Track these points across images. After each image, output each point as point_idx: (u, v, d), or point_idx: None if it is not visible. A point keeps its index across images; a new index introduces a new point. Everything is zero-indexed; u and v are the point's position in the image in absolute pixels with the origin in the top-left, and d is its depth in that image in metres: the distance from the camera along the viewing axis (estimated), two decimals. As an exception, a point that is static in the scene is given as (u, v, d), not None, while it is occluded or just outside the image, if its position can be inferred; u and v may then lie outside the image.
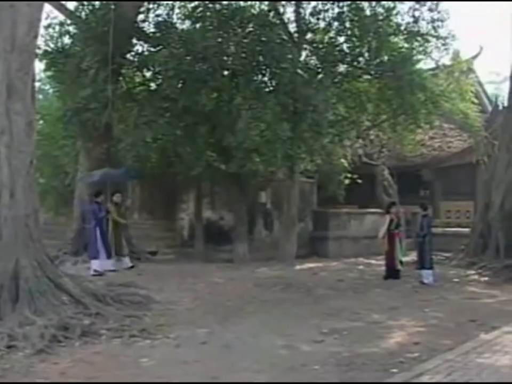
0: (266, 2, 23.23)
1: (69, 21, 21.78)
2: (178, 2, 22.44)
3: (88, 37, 20.46)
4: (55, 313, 10.96)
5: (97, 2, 21.26)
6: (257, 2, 23.11)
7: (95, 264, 18.27)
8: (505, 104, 24.46)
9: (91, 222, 18.84)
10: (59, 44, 21.58)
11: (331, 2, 22.42)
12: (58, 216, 27.00)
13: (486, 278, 18.65)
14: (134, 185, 24.28)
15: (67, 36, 21.71)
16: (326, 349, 9.89)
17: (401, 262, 18.68)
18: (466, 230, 24.13)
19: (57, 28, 21.63)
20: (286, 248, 22.40)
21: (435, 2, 22.74)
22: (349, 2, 22.31)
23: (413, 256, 19.84)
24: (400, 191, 28.59)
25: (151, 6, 22.08)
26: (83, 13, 21.38)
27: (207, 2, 21.03)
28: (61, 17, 22.08)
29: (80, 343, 10.11)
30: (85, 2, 21.39)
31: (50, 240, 20.10)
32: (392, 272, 18.39)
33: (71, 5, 22.41)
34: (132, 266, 19.30)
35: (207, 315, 12.66)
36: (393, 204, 20.11)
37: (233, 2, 21.24)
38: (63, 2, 22.52)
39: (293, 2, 23.08)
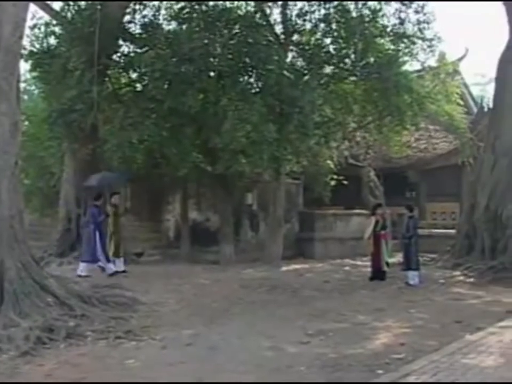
0: (252, 4, 23.24)
1: (54, 22, 21.70)
2: (164, 3, 22.40)
3: (74, 37, 20.39)
4: (40, 315, 10.90)
5: (83, 3, 21.18)
6: (244, 4, 23.13)
7: (83, 267, 18.11)
8: (491, 106, 24.55)
9: (89, 225, 18.69)
10: (45, 45, 21.48)
11: (317, 3, 22.46)
12: (43, 217, 26.87)
13: (472, 279, 18.71)
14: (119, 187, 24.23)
15: (53, 37, 21.61)
16: (312, 350, 9.89)
17: (387, 263, 18.71)
18: (452, 231, 24.21)
19: (42, 28, 21.55)
20: (272, 249, 22.42)
21: (421, 4, 22.85)
22: (335, 3, 22.36)
23: (398, 258, 19.88)
24: (386, 193, 28.66)
25: (137, 6, 22.00)
26: (69, 14, 21.30)
27: (193, 3, 21.01)
28: (47, 17, 22.02)
29: (65, 345, 10.07)
30: (71, 3, 21.30)
31: (36, 241, 20.04)
32: (378, 274, 18.41)
33: (56, 5, 22.39)
34: (124, 271, 19.16)
35: (192, 316, 12.65)
36: (379, 205, 20.15)
37: (219, 3, 21.23)
38: (49, 2, 22.46)
39: (279, 3, 23.10)
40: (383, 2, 23.10)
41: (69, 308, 11.74)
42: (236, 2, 22.63)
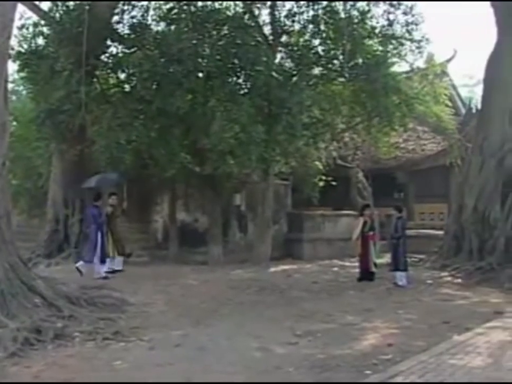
0: (241, 5, 23.25)
1: (42, 22, 21.64)
2: (153, 3, 22.37)
3: (62, 38, 20.34)
4: (27, 316, 10.86)
5: (71, 3, 21.12)
6: (232, 5, 23.13)
7: (82, 266, 18.04)
8: (479, 107, 24.62)
9: (90, 226, 18.60)
10: (33, 45, 21.40)
11: (306, 5, 22.49)
12: (31, 218, 26.83)
13: (459, 280, 18.76)
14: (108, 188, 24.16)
15: (41, 37, 21.54)
16: (300, 351, 9.89)
17: (375, 264, 18.75)
18: (440, 232, 24.25)
19: (31, 28, 21.47)
20: (260, 250, 22.42)
21: (409, 5, 22.91)
22: (323, 5, 22.39)
23: (387, 258, 19.92)
24: (374, 193, 28.69)
25: (125, 7, 21.96)
26: (57, 14, 21.23)
27: (182, 4, 20.99)
28: (35, 18, 21.96)
29: (53, 346, 10.03)
30: (59, 3, 21.24)
31: (23, 242, 20.01)
32: (366, 274, 18.44)
33: (45, 6, 22.34)
34: (121, 270, 19.11)
35: (181, 317, 12.64)
36: (367, 206, 20.18)
37: (208, 4, 21.22)
38: (37, 2, 22.40)
39: (268, 4, 23.11)
40: (371, 4, 23.17)
41: (56, 309, 11.70)
42: (224, 3, 22.62)
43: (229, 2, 22.95)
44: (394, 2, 23.02)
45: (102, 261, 18.28)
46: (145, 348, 10.06)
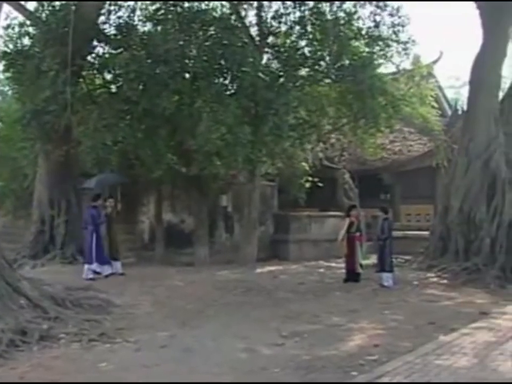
0: (228, 6, 23.25)
1: (28, 22, 21.53)
2: (139, 4, 22.31)
3: (48, 38, 20.25)
4: (12, 318, 10.82)
5: (57, 3, 21.05)
6: (219, 6, 23.10)
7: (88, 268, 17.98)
8: (465, 108, 24.71)
9: (89, 227, 18.50)
10: (18, 45, 21.28)
11: (292, 6, 22.50)
12: (16, 219, 26.70)
13: (445, 281, 18.83)
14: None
15: (27, 37, 21.41)
16: (286, 352, 9.90)
17: (361, 265, 18.77)
18: (426, 233, 24.30)
19: (16, 28, 21.32)
20: (246, 251, 22.41)
21: (396, 7, 22.97)
22: (310, 6, 22.41)
23: (373, 259, 19.94)
24: (361, 195, 28.74)
25: (112, 7, 21.89)
26: (43, 14, 21.14)
27: (168, 5, 20.96)
28: (21, 18, 21.83)
29: (39, 348, 10.01)
30: (45, 3, 21.17)
31: (9, 243, 19.95)
32: (352, 275, 18.46)
33: (30, 6, 22.24)
34: (122, 273, 19.03)
35: (167, 319, 12.62)
36: (353, 207, 20.21)
37: (195, 5, 21.20)
38: (23, 3, 22.31)
39: (255, 5, 23.12)
40: (358, 5, 23.21)
41: (42, 310, 11.66)
42: (211, 4, 22.58)
43: (215, 3, 22.92)
44: (381, 4, 23.08)
45: (101, 262, 18.21)
46: (131, 349, 10.04)
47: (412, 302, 15.26)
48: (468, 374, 8.48)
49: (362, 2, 23.30)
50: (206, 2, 22.12)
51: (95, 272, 18.01)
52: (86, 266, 18.07)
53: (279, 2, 22.87)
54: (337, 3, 22.86)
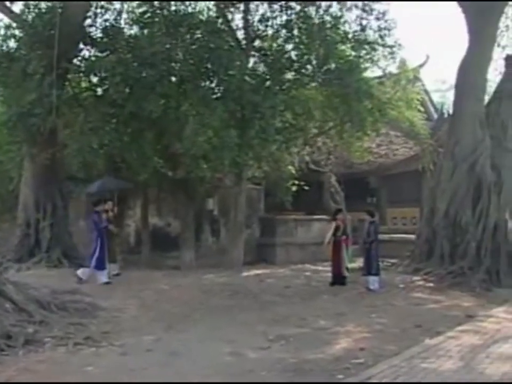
0: (214, 9, 23.26)
1: (14, 24, 21.44)
2: (126, 7, 22.30)
3: (34, 41, 20.17)
4: (-3, 321, 10.76)
5: (43, 6, 20.99)
6: (206, 9, 23.13)
7: (84, 272, 17.87)
8: (451, 112, 24.80)
9: (93, 232, 18.41)
10: (4, 48, 21.17)
11: (279, 9, 22.55)
12: (1, 222, 26.52)
13: (431, 284, 18.85)
14: (79, 192, 23.95)
15: (12, 40, 21.30)
16: (273, 355, 9.89)
17: (347, 269, 18.80)
18: (412, 236, 24.34)
19: (2, 31, 21.23)
20: (233, 254, 22.42)
21: (382, 11, 23.05)
22: (296, 10, 22.46)
23: (359, 263, 19.95)
24: (347, 198, 28.81)
25: (98, 10, 21.85)
26: (29, 17, 21.07)
27: (155, 8, 20.96)
28: (7, 20, 21.77)
29: (24, 352, 9.94)
30: (31, 6, 21.11)
31: (-6, 247, 19.83)
32: (338, 279, 18.48)
33: (16, 8, 22.16)
34: (118, 274, 18.98)
35: (153, 322, 12.59)
36: (339, 211, 20.27)
37: (181, 8, 21.20)
38: (8, 4, 22.22)
39: (241, 9, 23.14)
40: (344, 9, 23.27)
41: (27, 314, 11.58)
42: (197, 8, 22.62)
43: (202, 6, 22.96)
44: (367, 8, 23.14)
45: (103, 267, 18.13)
46: (117, 353, 9.99)
47: (398, 305, 15.28)
48: (453, 377, 8.50)
49: (348, 6, 23.36)
50: (193, 5, 22.16)
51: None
52: (87, 270, 17.95)
53: (266, 6, 22.92)
54: (323, 7, 22.92)
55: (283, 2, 22.63)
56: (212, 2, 23.39)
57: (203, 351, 10.11)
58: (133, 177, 20.93)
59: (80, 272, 17.82)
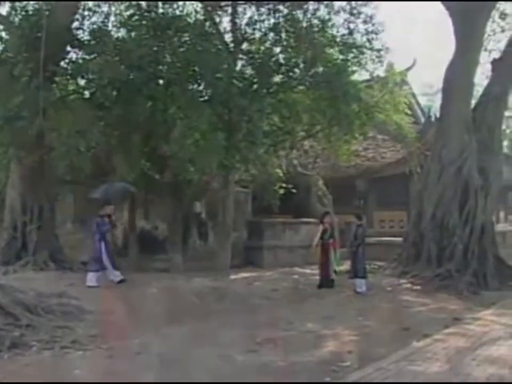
0: (202, 12, 23.24)
1: (1, 27, 21.38)
2: (113, 9, 22.26)
3: (21, 43, 20.06)
4: (-17, 325, 10.72)
5: (30, 8, 20.91)
6: (193, 12, 23.10)
7: (92, 277, 17.84)
8: (438, 115, 24.87)
9: (95, 235, 18.42)
10: (-10, 50, 21.16)
11: (267, 13, 22.56)
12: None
13: (418, 287, 18.91)
14: (66, 194, 23.89)
15: (-1, 42, 21.31)
16: (260, 358, 9.88)
17: (335, 271, 18.82)
18: (400, 239, 24.39)
19: (-12, 33, 21.24)
20: (220, 258, 22.39)
21: (369, 14, 23.08)
22: (284, 13, 22.48)
23: (347, 266, 19.97)
24: (334, 201, 28.83)
25: (86, 13, 21.80)
26: (16, 19, 20.97)
27: (142, 10, 20.93)
28: (-7, 22, 21.70)
29: (10, 355, 9.90)
30: (18, 8, 21.03)
31: (-20, 250, 19.72)
32: (326, 282, 18.49)
33: (3, 10, 22.07)
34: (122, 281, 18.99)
35: (141, 325, 12.53)
36: (327, 214, 20.28)
37: (169, 11, 21.18)
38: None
39: (229, 12, 23.14)
40: (332, 13, 23.29)
41: (13, 317, 11.53)
42: (185, 10, 22.60)
43: (190, 9, 22.95)
44: (355, 12, 23.18)
45: (114, 266, 18.19)
46: (104, 356, 9.97)
47: (385, 308, 15.32)
48: (441, 379, 8.52)
49: (336, 9, 23.39)
50: (181, 8, 22.15)
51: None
52: (91, 274, 17.93)
53: (253, 9, 22.93)
54: (311, 10, 22.95)
55: (271, 5, 22.64)
56: (200, 5, 23.38)
57: (191, 354, 10.09)
58: (121, 180, 20.86)
59: (89, 278, 17.79)
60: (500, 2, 24.83)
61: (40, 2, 21.00)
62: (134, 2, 21.71)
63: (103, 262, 18.08)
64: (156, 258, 22.58)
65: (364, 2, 23.42)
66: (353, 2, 23.30)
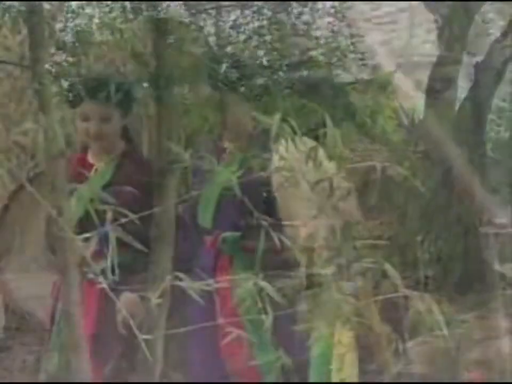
0: (186, 14, 23.27)
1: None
2: (97, 11, 22.23)
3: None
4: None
5: (13, 9, 20.87)
6: (177, 15, 23.14)
7: None
8: (421, 118, 24.94)
9: None
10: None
11: (251, 15, 22.61)
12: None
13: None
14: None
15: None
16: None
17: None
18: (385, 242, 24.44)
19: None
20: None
21: (354, 18, 23.19)
22: (269, 16, 22.54)
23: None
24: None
25: (69, 15, 21.76)
26: (-1, 21, 20.96)
27: (127, 13, 20.92)
28: (-24, 24, 21.62)
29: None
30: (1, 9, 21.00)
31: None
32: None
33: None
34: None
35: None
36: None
37: (153, 13, 21.19)
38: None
39: (213, 15, 23.18)
40: (316, 16, 23.38)
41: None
42: (169, 13, 22.64)
43: (176, 0, 22.99)
44: (339, 15, 23.27)
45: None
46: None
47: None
48: (424, 381, 8.53)
49: (320, 12, 23.50)
50: (164, 11, 22.18)
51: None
52: None
53: (238, 12, 22.98)
54: (295, 13, 23.02)
55: (255, 7, 22.70)
56: (184, 8, 23.40)
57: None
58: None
59: None
60: (484, 4, 24.98)
61: (24, 2, 20.97)
62: (118, 4, 21.72)
63: None
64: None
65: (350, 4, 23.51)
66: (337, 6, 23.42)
